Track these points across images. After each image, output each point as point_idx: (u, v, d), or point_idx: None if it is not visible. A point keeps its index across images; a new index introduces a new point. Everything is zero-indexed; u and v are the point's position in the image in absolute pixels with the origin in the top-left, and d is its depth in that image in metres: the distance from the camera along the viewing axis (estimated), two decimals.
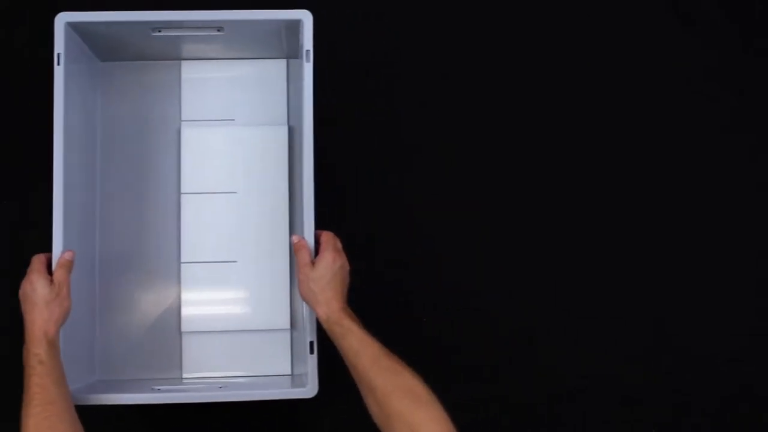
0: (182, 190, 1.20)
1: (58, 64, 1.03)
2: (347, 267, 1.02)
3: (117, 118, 1.21)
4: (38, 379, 0.92)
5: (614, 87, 1.31)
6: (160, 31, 1.09)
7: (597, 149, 1.30)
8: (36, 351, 0.94)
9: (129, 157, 1.21)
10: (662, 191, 1.30)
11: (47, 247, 1.02)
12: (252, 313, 1.19)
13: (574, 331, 1.26)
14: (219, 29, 1.09)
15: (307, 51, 1.05)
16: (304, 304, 1.04)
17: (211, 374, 1.18)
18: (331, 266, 0.99)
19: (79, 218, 1.12)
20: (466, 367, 1.25)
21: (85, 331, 1.15)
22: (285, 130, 1.21)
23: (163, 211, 1.20)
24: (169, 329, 1.19)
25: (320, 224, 1.26)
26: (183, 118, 1.22)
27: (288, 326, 1.19)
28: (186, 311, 1.19)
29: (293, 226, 1.19)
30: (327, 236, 1.02)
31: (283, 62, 1.23)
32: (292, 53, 1.17)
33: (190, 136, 1.21)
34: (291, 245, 1.03)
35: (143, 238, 1.20)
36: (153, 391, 1.07)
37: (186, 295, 1.19)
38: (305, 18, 1.06)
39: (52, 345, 0.95)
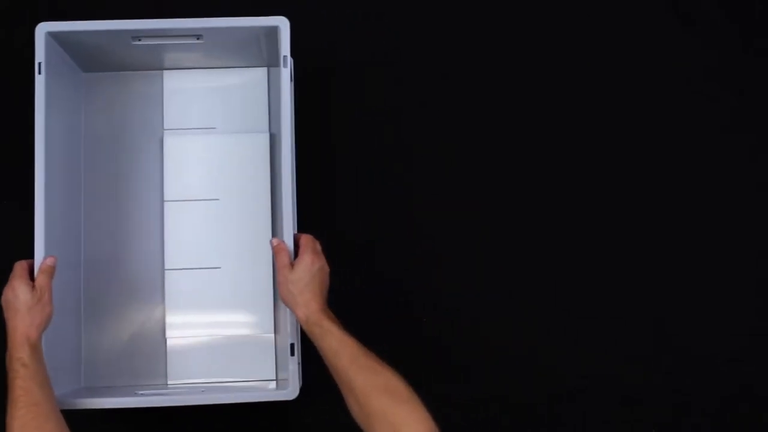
0: (165, 198, 1.22)
1: (39, 73, 1.04)
2: (326, 269, 1.02)
3: (101, 128, 1.23)
4: (22, 381, 0.93)
5: (614, 87, 1.31)
6: (140, 40, 1.10)
7: (597, 149, 1.30)
8: (19, 355, 0.95)
9: (113, 165, 1.23)
10: (662, 191, 1.30)
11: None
12: (236, 318, 1.21)
13: (574, 331, 1.26)
14: (198, 37, 1.11)
15: (284, 57, 1.06)
16: (286, 307, 1.04)
17: (196, 380, 1.19)
18: (309, 268, 0.99)
19: (64, 226, 1.14)
20: (466, 367, 1.25)
21: (70, 339, 1.16)
22: (266, 137, 1.23)
23: (146, 219, 1.22)
24: (154, 336, 1.20)
25: (320, 224, 1.27)
26: (165, 126, 1.24)
27: (272, 331, 1.20)
28: (170, 318, 1.20)
29: (276, 231, 1.20)
30: (306, 239, 1.02)
31: (263, 70, 1.25)
32: (272, 61, 1.18)
33: (172, 145, 1.22)
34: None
35: (127, 245, 1.21)
36: (136, 395, 1.08)
37: (170, 302, 1.20)
38: (282, 25, 1.07)
39: (35, 348, 0.97)
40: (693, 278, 1.28)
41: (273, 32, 1.08)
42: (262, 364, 1.19)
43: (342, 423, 0.92)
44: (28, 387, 0.93)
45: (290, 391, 1.05)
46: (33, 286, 0.99)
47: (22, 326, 0.97)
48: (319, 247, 1.03)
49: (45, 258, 1.02)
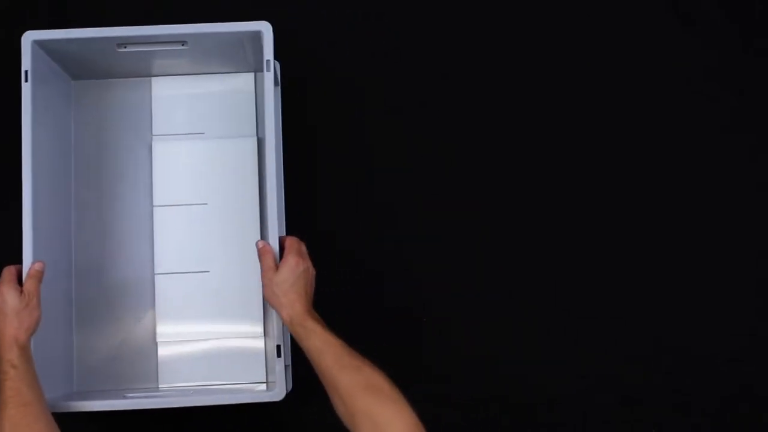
0: (154, 203, 1.23)
1: (26, 80, 1.06)
2: (312, 271, 1.03)
3: (90, 134, 1.24)
4: (12, 383, 0.94)
5: (614, 87, 1.32)
6: (125, 47, 1.12)
7: (597, 149, 1.30)
8: (8, 357, 0.96)
9: (102, 171, 1.24)
10: (662, 191, 1.30)
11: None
12: (226, 321, 1.21)
13: (574, 331, 1.26)
14: (183, 43, 1.12)
15: (268, 61, 1.07)
16: (273, 309, 1.05)
17: (187, 384, 1.20)
18: (294, 270, 1.00)
19: (54, 231, 1.15)
20: (466, 367, 1.25)
21: (62, 345, 1.17)
22: (254, 141, 1.24)
23: (136, 224, 1.23)
24: (145, 340, 1.21)
25: (320, 225, 1.27)
26: (154, 132, 1.25)
27: (261, 333, 1.21)
28: (160, 321, 1.21)
29: (264, 235, 1.20)
30: (291, 241, 1.03)
31: (250, 76, 1.26)
32: (259, 66, 1.20)
33: (161, 150, 1.23)
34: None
35: (117, 250, 1.22)
36: (124, 398, 1.10)
37: (160, 306, 1.21)
38: (265, 29, 1.08)
39: (24, 351, 0.98)
40: (693, 278, 1.28)
41: (257, 37, 1.09)
42: (252, 367, 1.20)
43: (329, 423, 0.93)
44: (18, 388, 0.94)
45: (277, 392, 1.05)
46: (21, 291, 1.01)
47: (10, 329, 0.98)
48: (304, 248, 1.03)
49: (33, 263, 1.03)
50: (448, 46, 1.32)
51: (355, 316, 1.24)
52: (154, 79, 1.25)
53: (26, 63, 1.06)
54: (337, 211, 1.28)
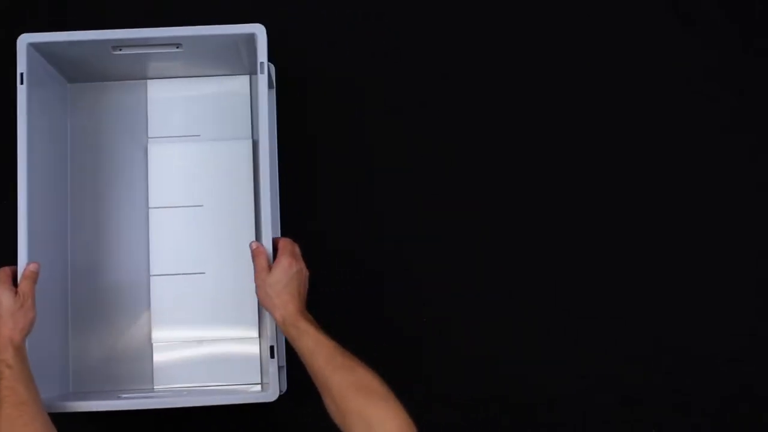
0: (150, 205, 1.23)
1: (21, 83, 1.06)
2: (305, 272, 1.03)
3: (87, 137, 1.25)
4: (7, 382, 0.95)
5: (614, 87, 1.32)
6: (120, 50, 1.12)
7: (597, 149, 1.30)
8: (3, 357, 0.97)
9: (98, 173, 1.24)
10: (662, 191, 1.30)
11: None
12: (221, 323, 1.21)
13: (574, 331, 1.26)
14: (177, 46, 1.12)
15: (261, 63, 1.08)
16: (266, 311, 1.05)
17: (182, 385, 1.20)
18: (287, 271, 1.00)
19: (50, 233, 1.15)
20: (466, 367, 1.25)
21: (58, 346, 1.18)
22: (248, 143, 1.24)
23: (131, 226, 1.23)
24: (140, 341, 1.21)
25: (320, 225, 1.27)
26: (150, 135, 1.25)
27: (256, 335, 1.21)
28: (156, 323, 1.21)
29: (259, 236, 1.20)
30: (284, 242, 1.03)
31: (246, 78, 1.26)
32: (254, 69, 1.20)
33: (156, 153, 1.24)
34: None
35: (113, 252, 1.23)
36: (119, 398, 1.10)
37: (156, 307, 1.21)
38: (259, 32, 1.08)
39: (19, 351, 0.98)
40: (693, 278, 1.28)
41: (252, 40, 1.09)
42: (247, 368, 1.20)
43: (324, 425, 0.93)
44: (14, 387, 0.94)
45: (270, 393, 1.05)
46: (16, 292, 1.01)
47: (5, 330, 0.98)
48: (297, 250, 1.03)
49: (28, 264, 1.04)
50: (448, 46, 1.32)
51: (355, 316, 1.25)
52: (149, 81, 1.25)
53: (22, 65, 1.07)
54: (337, 211, 1.28)
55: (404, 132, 1.30)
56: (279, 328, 1.01)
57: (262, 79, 1.08)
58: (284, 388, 1.17)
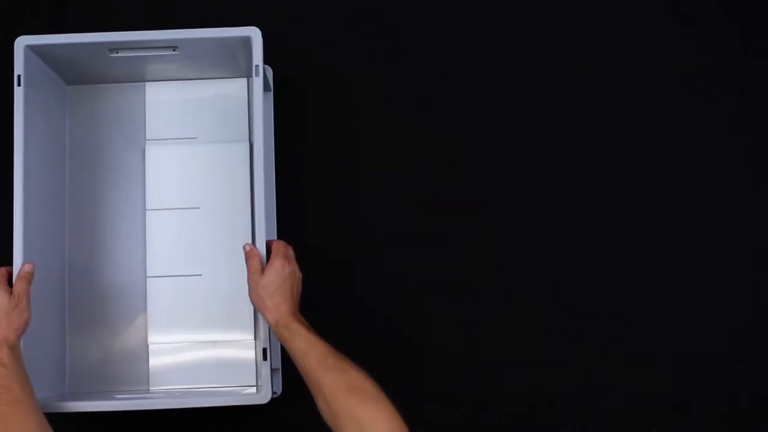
0: (147, 207, 1.23)
1: (18, 85, 1.06)
2: (298, 274, 1.03)
3: (85, 139, 1.25)
4: (2, 381, 0.95)
5: (614, 87, 1.32)
6: (117, 52, 1.12)
7: (597, 149, 1.30)
8: None
9: (96, 175, 1.25)
10: (662, 191, 1.30)
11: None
12: (217, 324, 1.21)
13: (574, 331, 1.26)
14: (174, 49, 1.12)
15: (257, 66, 1.08)
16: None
17: (178, 387, 1.20)
18: (280, 273, 1.00)
19: (47, 234, 1.16)
20: (466, 367, 1.25)
21: (54, 347, 1.18)
22: (245, 146, 1.24)
23: (129, 227, 1.24)
24: (137, 343, 1.21)
25: (319, 225, 1.27)
26: (147, 137, 1.25)
27: (252, 337, 1.21)
28: (152, 325, 1.21)
29: (255, 238, 1.20)
30: (277, 244, 1.03)
31: (243, 81, 1.26)
32: (251, 72, 1.20)
33: (154, 155, 1.24)
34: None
35: (110, 253, 1.23)
36: (114, 399, 1.11)
37: (152, 309, 1.21)
38: (254, 35, 1.09)
39: (14, 350, 0.99)
40: (693, 278, 1.28)
41: (248, 42, 1.10)
42: (243, 370, 1.20)
43: (319, 428, 0.92)
44: (9, 386, 0.95)
45: (263, 395, 1.05)
46: (11, 292, 1.02)
47: (0, 330, 0.99)
48: (291, 252, 1.03)
49: (23, 264, 1.04)
50: (448, 46, 1.32)
51: (354, 316, 1.25)
52: (147, 84, 1.26)
53: (19, 67, 1.07)
54: (337, 211, 1.28)
55: (404, 132, 1.30)
56: (272, 330, 1.01)
57: (258, 82, 1.08)
58: (279, 390, 1.17)
